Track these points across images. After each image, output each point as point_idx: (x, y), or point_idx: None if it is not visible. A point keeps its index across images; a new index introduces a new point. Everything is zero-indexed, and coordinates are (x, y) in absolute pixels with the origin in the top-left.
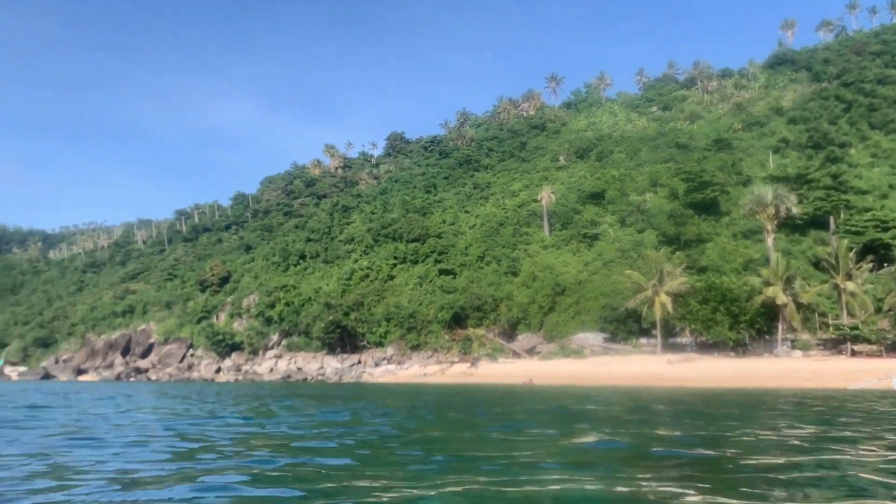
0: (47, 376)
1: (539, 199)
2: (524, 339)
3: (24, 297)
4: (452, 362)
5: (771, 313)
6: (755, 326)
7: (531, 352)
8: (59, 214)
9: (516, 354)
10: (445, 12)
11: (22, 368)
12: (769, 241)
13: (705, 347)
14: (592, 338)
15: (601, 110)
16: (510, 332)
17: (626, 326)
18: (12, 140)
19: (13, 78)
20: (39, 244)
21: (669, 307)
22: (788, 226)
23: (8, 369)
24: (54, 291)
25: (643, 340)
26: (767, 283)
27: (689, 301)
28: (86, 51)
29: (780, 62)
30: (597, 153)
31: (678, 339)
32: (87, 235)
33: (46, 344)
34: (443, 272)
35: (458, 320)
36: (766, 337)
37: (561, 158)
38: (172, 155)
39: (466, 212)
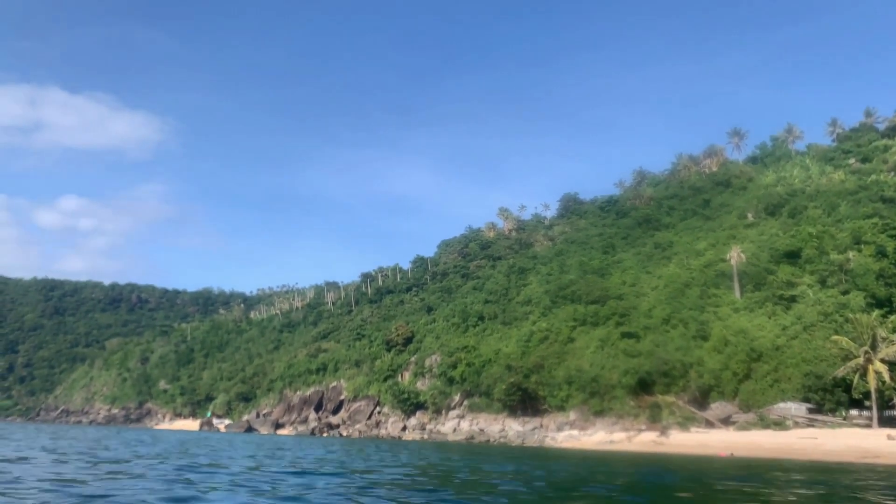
0: (250, 429)
1: (728, 258)
2: (717, 407)
3: (228, 355)
4: (640, 430)
5: None
6: None
7: (726, 421)
8: (257, 278)
9: (709, 424)
10: (617, 70)
11: (227, 421)
12: None
13: None
14: (795, 408)
15: (791, 164)
16: (701, 400)
17: (834, 397)
18: (219, 212)
19: (224, 159)
20: (242, 306)
21: (886, 376)
22: None
23: (215, 421)
24: (255, 349)
25: (854, 412)
26: None
27: None
28: (286, 134)
29: None
30: (789, 209)
31: None
32: (283, 297)
33: (248, 398)
34: (625, 335)
35: (643, 386)
36: None
37: (749, 215)
38: (357, 222)
39: (648, 272)
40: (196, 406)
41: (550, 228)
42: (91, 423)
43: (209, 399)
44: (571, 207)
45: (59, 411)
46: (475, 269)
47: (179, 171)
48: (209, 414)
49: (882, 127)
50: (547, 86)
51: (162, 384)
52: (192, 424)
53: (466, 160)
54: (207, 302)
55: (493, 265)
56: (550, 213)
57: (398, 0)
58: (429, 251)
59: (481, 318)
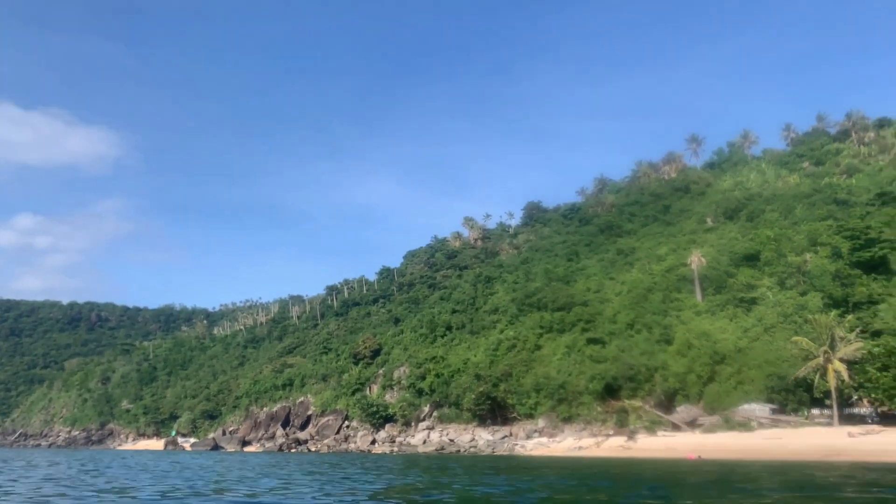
0: (216, 447)
1: (688, 262)
2: (683, 410)
3: (192, 372)
4: (608, 435)
5: None
6: None
7: (692, 424)
8: (220, 294)
9: (675, 427)
10: (577, 80)
11: (193, 440)
12: None
13: (888, 418)
14: (759, 409)
15: (747, 168)
16: (667, 404)
17: (796, 396)
18: (180, 227)
19: (184, 173)
20: (204, 322)
21: (845, 375)
22: None
23: (180, 440)
24: (219, 366)
25: (815, 411)
26: None
27: (866, 368)
28: (247, 146)
29: None
30: (747, 213)
31: (856, 410)
32: (246, 312)
33: (213, 416)
34: (591, 341)
35: (610, 391)
36: None
37: (708, 220)
38: (322, 235)
39: (611, 279)
40: (160, 425)
41: (515, 237)
42: (51, 446)
43: (173, 418)
44: (535, 215)
45: (16, 435)
46: (442, 279)
47: (138, 186)
48: (174, 433)
49: (833, 131)
50: (508, 95)
51: (124, 404)
52: (156, 444)
53: (431, 170)
54: (169, 319)
55: (460, 274)
56: (515, 222)
57: (358, 11)
58: (395, 262)
59: (449, 328)
